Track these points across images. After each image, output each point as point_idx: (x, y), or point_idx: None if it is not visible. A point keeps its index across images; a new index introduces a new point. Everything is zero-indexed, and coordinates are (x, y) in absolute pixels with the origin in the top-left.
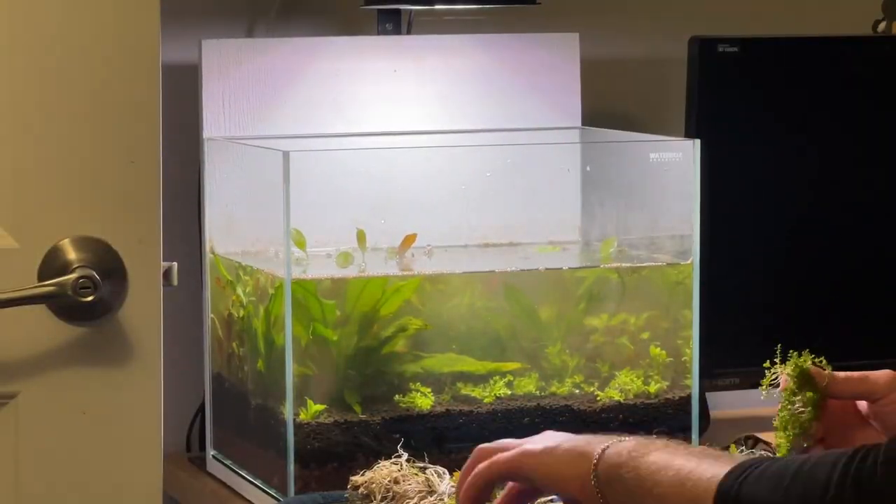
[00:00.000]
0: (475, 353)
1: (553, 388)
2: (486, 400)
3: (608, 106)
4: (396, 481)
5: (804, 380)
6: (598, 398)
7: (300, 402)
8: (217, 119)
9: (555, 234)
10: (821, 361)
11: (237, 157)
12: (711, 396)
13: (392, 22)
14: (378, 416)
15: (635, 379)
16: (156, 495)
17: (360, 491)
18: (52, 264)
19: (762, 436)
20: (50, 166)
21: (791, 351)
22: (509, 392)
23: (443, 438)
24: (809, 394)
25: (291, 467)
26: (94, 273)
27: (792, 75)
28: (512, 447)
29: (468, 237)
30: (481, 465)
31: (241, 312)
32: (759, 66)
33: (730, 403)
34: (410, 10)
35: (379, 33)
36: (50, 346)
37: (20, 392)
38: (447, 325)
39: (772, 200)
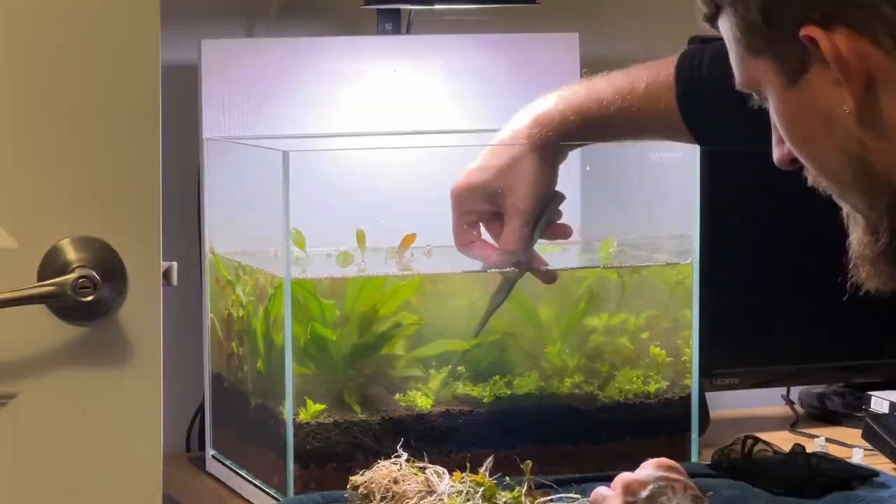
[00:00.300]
0: (475, 353)
1: (553, 388)
2: (485, 400)
3: None
4: (396, 481)
5: None
6: (598, 398)
7: (300, 402)
8: (217, 119)
9: None
10: None
11: (237, 157)
12: (711, 396)
13: (392, 22)
14: (378, 416)
15: (635, 379)
16: (156, 495)
17: (359, 491)
18: (52, 264)
19: (762, 436)
20: (50, 166)
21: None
22: (509, 392)
23: (442, 438)
24: None
25: (291, 467)
26: (94, 273)
27: None
28: None
29: None
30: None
31: (241, 312)
32: None
33: (730, 403)
34: (410, 10)
35: (379, 33)
36: (50, 346)
37: (20, 392)
38: (447, 325)
39: (771, 200)
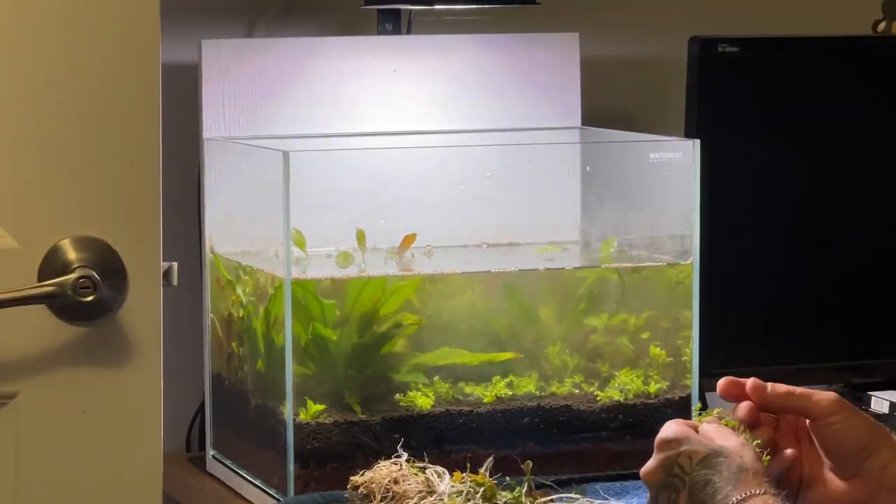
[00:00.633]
0: (474, 353)
1: (553, 388)
2: (486, 400)
3: (608, 106)
4: (396, 481)
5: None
6: (598, 398)
7: (300, 402)
8: (217, 119)
9: (555, 234)
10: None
11: (237, 157)
12: (711, 396)
13: (392, 22)
14: (378, 416)
15: (635, 379)
16: (156, 495)
17: (359, 491)
18: (52, 264)
19: None
20: (50, 166)
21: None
22: (509, 392)
23: (443, 438)
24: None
25: (291, 467)
26: (94, 273)
27: (792, 75)
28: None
29: (468, 237)
30: None
31: (241, 312)
32: (759, 66)
33: (730, 403)
34: (410, 10)
35: (379, 33)
36: (50, 346)
37: (20, 392)
38: (447, 326)
39: (771, 200)
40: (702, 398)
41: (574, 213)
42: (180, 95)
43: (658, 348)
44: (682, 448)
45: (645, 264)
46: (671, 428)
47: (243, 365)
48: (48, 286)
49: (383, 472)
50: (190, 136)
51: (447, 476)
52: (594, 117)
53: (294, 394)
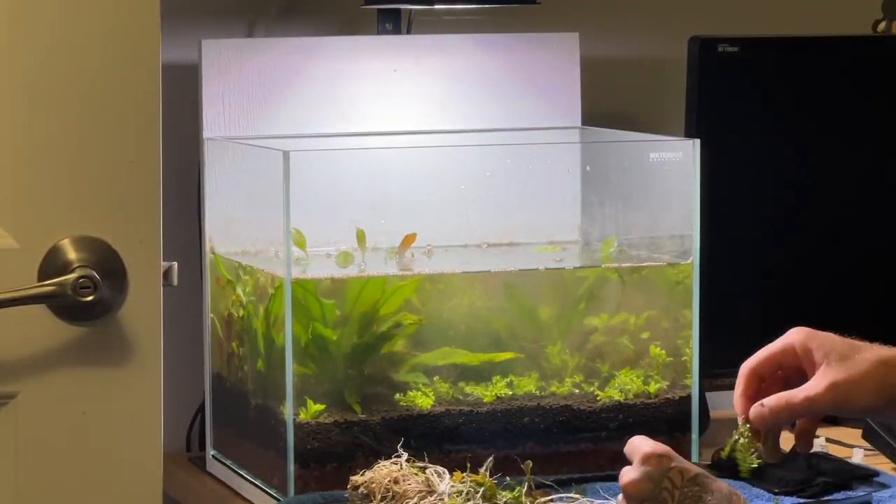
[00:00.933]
0: (475, 352)
1: (553, 388)
2: (486, 399)
3: (608, 106)
4: (396, 481)
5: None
6: (598, 398)
7: (300, 401)
8: (217, 119)
9: (555, 234)
10: None
11: (237, 157)
12: (711, 396)
13: (392, 22)
14: (378, 415)
15: (635, 379)
16: (156, 495)
17: (359, 491)
18: (52, 264)
19: None
20: (50, 166)
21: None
22: (509, 392)
23: (443, 438)
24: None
25: (291, 467)
26: (94, 273)
27: (792, 75)
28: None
29: (468, 237)
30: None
31: (241, 312)
32: (759, 66)
33: (730, 403)
34: (410, 10)
35: (379, 33)
36: (50, 346)
37: (20, 392)
38: (447, 325)
39: (771, 200)
40: (702, 398)
41: (574, 213)
42: (180, 95)
43: (658, 348)
44: (674, 464)
45: (645, 264)
46: (649, 442)
47: (243, 365)
48: (48, 286)
49: (383, 472)
50: (190, 136)
51: (447, 476)
52: (594, 117)
53: (294, 394)
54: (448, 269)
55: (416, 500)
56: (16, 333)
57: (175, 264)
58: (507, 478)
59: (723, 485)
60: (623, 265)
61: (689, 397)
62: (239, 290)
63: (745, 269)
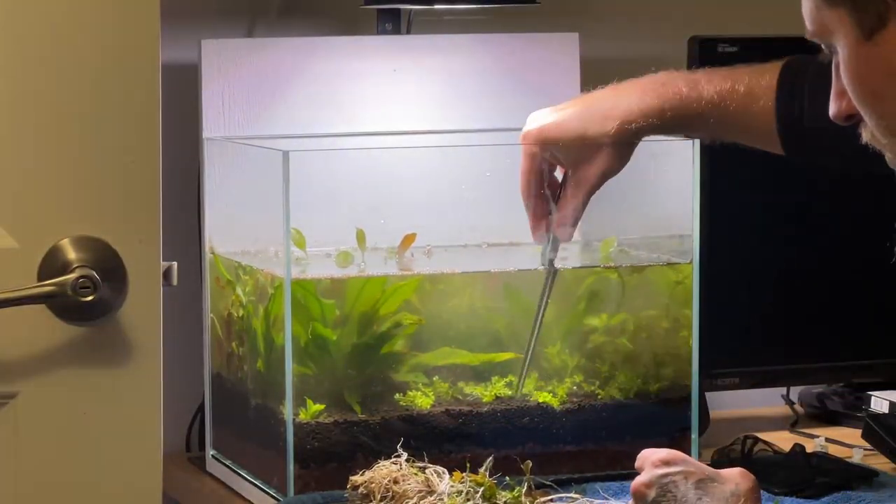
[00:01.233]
0: (474, 352)
1: (553, 388)
2: (485, 400)
3: None
4: (396, 481)
5: None
6: (598, 398)
7: (300, 401)
8: (217, 119)
9: None
10: None
11: (237, 157)
12: (711, 396)
13: (392, 22)
14: (378, 415)
15: (635, 379)
16: (155, 495)
17: (359, 491)
18: (52, 264)
19: (762, 436)
20: (50, 166)
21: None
22: (509, 392)
23: (442, 438)
24: None
25: (291, 467)
26: (94, 273)
27: None
28: None
29: (468, 237)
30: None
31: (241, 312)
32: None
33: (730, 403)
34: (410, 10)
35: (379, 33)
36: (50, 346)
37: (20, 392)
38: (447, 325)
39: (771, 200)
40: (702, 398)
41: None
42: (180, 95)
43: (658, 348)
44: (680, 468)
45: (645, 264)
46: (663, 451)
47: (243, 365)
48: (48, 286)
49: (383, 471)
50: (190, 136)
51: (447, 476)
52: None
53: (294, 394)
54: (448, 269)
55: (415, 500)
56: (16, 333)
57: (175, 264)
58: (507, 478)
59: (728, 486)
60: (623, 265)
61: (689, 397)
62: (239, 290)
63: (745, 269)
